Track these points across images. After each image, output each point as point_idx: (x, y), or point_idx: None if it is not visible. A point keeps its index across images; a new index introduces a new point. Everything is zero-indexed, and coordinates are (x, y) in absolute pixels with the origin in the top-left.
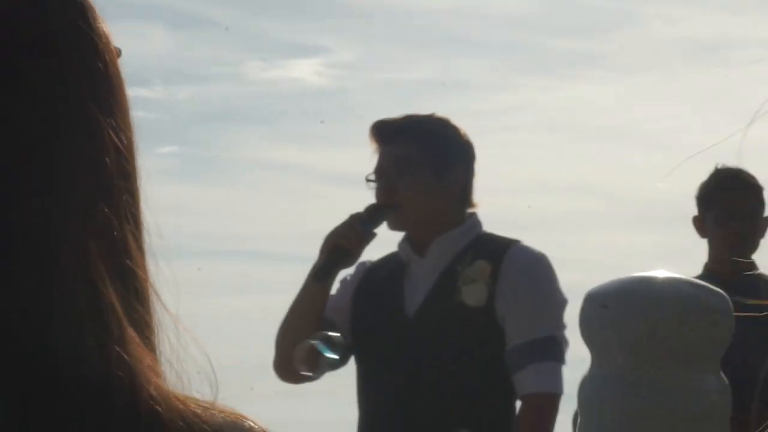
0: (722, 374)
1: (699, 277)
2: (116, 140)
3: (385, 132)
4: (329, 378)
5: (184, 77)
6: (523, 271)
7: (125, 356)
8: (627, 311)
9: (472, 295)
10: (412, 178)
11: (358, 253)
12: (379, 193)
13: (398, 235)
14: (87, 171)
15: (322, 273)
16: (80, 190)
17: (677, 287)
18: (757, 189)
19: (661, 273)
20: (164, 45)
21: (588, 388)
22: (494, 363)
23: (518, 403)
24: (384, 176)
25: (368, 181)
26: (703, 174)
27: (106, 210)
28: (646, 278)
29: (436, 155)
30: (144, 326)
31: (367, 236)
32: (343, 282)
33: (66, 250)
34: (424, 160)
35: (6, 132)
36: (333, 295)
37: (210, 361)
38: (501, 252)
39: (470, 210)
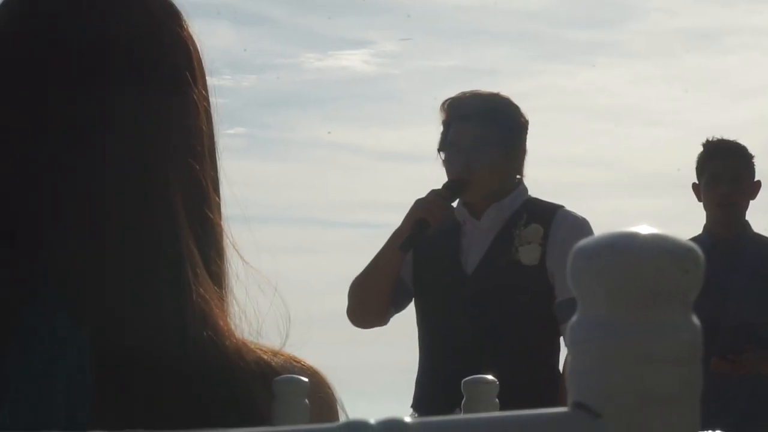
0: (694, 318)
1: (698, 236)
2: (201, 106)
3: (461, 110)
4: (386, 328)
5: (249, 67)
6: (569, 234)
7: (202, 305)
8: (610, 262)
9: (528, 254)
10: (486, 157)
11: (436, 225)
12: (455, 167)
13: None
14: (179, 126)
15: (408, 243)
16: (172, 142)
17: (654, 240)
18: (743, 155)
19: (643, 229)
20: (230, 39)
21: (575, 331)
22: (545, 315)
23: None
24: (461, 152)
25: (440, 152)
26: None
27: (192, 161)
28: (628, 233)
29: (506, 136)
30: (219, 275)
31: (446, 210)
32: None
33: (155, 191)
34: (496, 141)
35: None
36: None
37: (288, 311)
38: (549, 216)
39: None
